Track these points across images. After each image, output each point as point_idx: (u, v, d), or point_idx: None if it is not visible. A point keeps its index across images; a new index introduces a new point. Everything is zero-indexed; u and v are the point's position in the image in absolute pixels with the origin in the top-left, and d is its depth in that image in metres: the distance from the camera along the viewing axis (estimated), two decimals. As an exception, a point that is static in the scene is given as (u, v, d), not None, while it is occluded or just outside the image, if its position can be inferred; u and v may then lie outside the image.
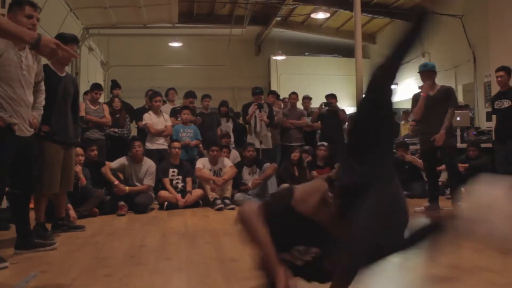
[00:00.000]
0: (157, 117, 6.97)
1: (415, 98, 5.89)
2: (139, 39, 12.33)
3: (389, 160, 2.02)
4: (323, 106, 8.60)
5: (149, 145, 6.75)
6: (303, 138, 8.31)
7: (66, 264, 3.15)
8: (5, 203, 4.66)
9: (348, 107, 10.32)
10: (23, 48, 3.21)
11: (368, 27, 12.82)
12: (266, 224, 1.90)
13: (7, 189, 3.43)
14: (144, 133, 7.00)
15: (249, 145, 7.00)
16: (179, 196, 6.20)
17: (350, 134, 1.94)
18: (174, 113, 7.51)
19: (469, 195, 1.69)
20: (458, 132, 8.11)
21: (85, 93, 6.96)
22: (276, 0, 10.70)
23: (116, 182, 5.86)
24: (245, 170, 6.74)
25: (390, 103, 1.98)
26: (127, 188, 5.90)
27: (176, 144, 6.52)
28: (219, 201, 6.06)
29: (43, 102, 3.62)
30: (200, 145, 7.32)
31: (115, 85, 7.73)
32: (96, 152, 6.06)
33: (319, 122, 8.48)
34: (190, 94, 8.04)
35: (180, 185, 6.38)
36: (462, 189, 6.45)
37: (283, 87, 12.27)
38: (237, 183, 6.63)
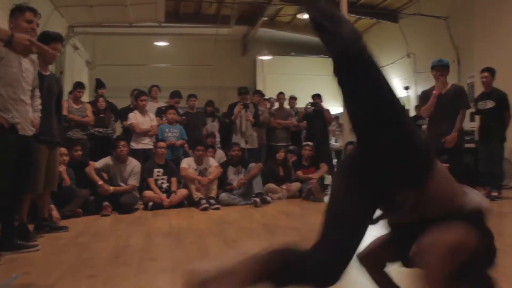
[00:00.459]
0: (142, 117, 6.94)
1: (425, 95, 5.63)
2: (125, 38, 12.25)
3: None
4: (309, 106, 8.65)
5: (134, 145, 6.72)
6: (289, 138, 8.34)
7: (49, 265, 3.12)
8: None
9: (334, 107, 10.36)
10: None
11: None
12: None
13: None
14: (130, 133, 6.97)
15: (234, 144, 7.01)
16: (164, 196, 6.17)
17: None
18: (160, 112, 7.49)
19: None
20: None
21: (70, 93, 6.91)
22: (263, 0, 10.71)
23: (100, 182, 5.82)
24: (231, 170, 6.74)
25: None
26: (111, 188, 5.87)
27: (161, 144, 6.50)
28: (204, 201, 6.05)
29: (40, 106, 3.71)
30: (186, 145, 7.30)
31: (99, 84, 7.67)
32: (80, 152, 6.02)
33: (305, 122, 8.52)
34: (175, 94, 8.03)
35: (165, 185, 6.36)
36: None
37: (269, 87, 12.28)
38: (223, 183, 6.63)
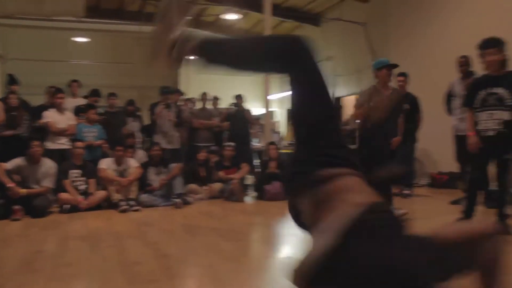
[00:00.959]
0: (59, 115, 6.63)
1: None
2: (41, 32, 11.65)
3: None
4: (232, 107, 8.71)
5: (50, 145, 6.40)
6: (212, 138, 8.34)
7: (-50, 274, 2.90)
8: None
9: (255, 108, 10.51)
10: None
11: (278, 30, 13.13)
12: None
13: None
14: (44, 132, 6.62)
15: (155, 144, 6.89)
16: (81, 198, 5.94)
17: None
18: (78, 111, 7.19)
19: None
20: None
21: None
22: (187, -1, 10.62)
23: (10, 185, 5.48)
24: (151, 170, 6.62)
25: None
26: (23, 190, 5.54)
27: (79, 144, 6.25)
28: (123, 203, 5.89)
29: None
30: (105, 145, 7.08)
31: (12, 80, 7.22)
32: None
33: (228, 122, 8.56)
34: (94, 93, 7.76)
35: (82, 187, 6.12)
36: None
37: (192, 87, 12.21)
38: (143, 183, 6.49)
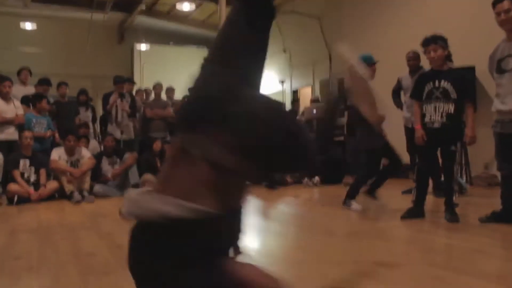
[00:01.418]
0: (6, 104, 6.37)
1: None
2: (-15, 17, 11.15)
3: None
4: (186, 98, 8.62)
5: (-4, 135, 6.16)
6: (167, 128, 8.23)
7: None
8: None
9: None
10: None
11: (233, 21, 13.08)
12: None
13: None
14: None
15: (108, 135, 6.76)
16: (31, 189, 5.76)
17: None
18: (27, 101, 6.93)
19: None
20: (315, 125, 8.68)
21: None
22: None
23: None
24: (105, 161, 6.49)
25: None
26: (-31, 182, 5.33)
27: (27, 133, 6.04)
28: (76, 194, 5.76)
29: None
30: (56, 135, 6.88)
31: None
32: None
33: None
34: (44, 81, 7.50)
35: (32, 178, 5.93)
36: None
37: (146, 77, 12.01)
38: (96, 174, 6.36)
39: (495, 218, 3.70)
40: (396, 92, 6.13)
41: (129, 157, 6.45)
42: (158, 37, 13.26)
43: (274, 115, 1.31)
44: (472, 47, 6.36)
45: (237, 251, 1.38)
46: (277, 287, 1.26)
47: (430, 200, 4.48)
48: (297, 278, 2.38)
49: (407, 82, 5.81)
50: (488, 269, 2.53)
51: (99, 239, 3.60)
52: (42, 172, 5.99)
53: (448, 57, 3.95)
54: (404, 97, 5.96)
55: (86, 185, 6.03)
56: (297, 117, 9.76)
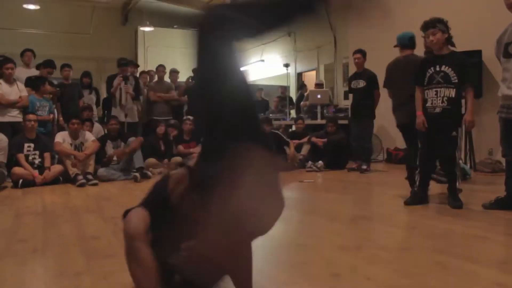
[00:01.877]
0: (9, 87, 6.37)
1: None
2: (-13, -2, 11.08)
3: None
4: (190, 80, 8.58)
5: (0, 118, 6.16)
6: (171, 112, 8.22)
7: None
8: None
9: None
10: None
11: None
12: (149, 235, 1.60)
13: None
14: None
15: (112, 118, 6.75)
16: (36, 172, 5.78)
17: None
18: (31, 83, 6.92)
19: None
20: (319, 109, 8.67)
21: None
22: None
23: (-40, 158, 5.29)
24: (109, 144, 6.49)
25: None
26: (-26, 165, 5.36)
27: (31, 116, 6.04)
28: (80, 177, 5.78)
29: None
30: (61, 118, 6.89)
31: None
32: None
33: (186, 96, 8.45)
34: (48, 64, 7.47)
35: (37, 161, 5.96)
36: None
37: (150, 59, 11.96)
38: (100, 157, 6.37)
39: (499, 204, 3.69)
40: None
41: (134, 141, 6.44)
42: (162, 19, 13.16)
43: None
44: (479, 31, 6.29)
45: None
46: None
47: (434, 185, 4.47)
48: (300, 263, 2.39)
49: None
50: (491, 255, 2.53)
51: (103, 222, 3.62)
52: (47, 155, 6.01)
53: (449, 40, 3.90)
54: None
55: (90, 168, 6.05)
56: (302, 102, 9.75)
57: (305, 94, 9.69)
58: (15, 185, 5.69)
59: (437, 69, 3.87)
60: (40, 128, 6.37)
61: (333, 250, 2.65)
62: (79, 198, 4.94)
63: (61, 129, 6.80)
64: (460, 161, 5.24)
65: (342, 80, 9.91)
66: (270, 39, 12.40)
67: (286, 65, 10.96)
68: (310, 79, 11.43)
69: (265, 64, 12.88)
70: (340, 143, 7.22)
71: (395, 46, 5.23)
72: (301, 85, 9.94)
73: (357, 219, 3.60)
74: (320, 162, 7.06)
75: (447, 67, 3.83)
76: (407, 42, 5.01)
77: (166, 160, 6.96)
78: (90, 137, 6.32)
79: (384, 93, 6.60)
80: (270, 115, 9.40)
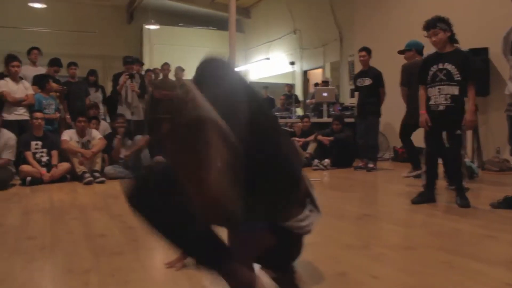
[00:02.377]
0: (15, 85, 6.40)
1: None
2: (-5, -3, 11.14)
3: None
4: (197, 78, 8.58)
5: (6, 116, 6.20)
6: (176, 110, 8.22)
7: None
8: None
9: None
10: None
11: (243, 1, 12.96)
12: None
13: None
14: (1, 103, 6.39)
15: (120, 116, 6.77)
16: (43, 170, 5.82)
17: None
18: (38, 81, 6.94)
19: None
20: (325, 108, 8.66)
21: None
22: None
23: (-31, 156, 5.32)
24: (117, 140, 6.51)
25: None
26: (-18, 162, 5.39)
27: (38, 114, 6.07)
28: (88, 175, 5.81)
29: None
30: (67, 116, 6.92)
31: (-35, 47, 6.92)
32: None
33: (192, 94, 8.45)
34: (55, 62, 7.50)
35: (44, 159, 5.99)
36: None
37: (156, 57, 12.00)
38: (109, 155, 6.40)
39: (507, 203, 3.67)
40: None
41: (141, 139, 6.46)
42: (167, 17, 13.19)
43: None
44: (485, 28, 6.25)
45: None
46: None
47: (441, 184, 4.46)
48: (307, 261, 2.40)
49: None
50: (498, 254, 2.53)
51: (111, 220, 3.64)
52: (54, 153, 6.04)
53: (452, 38, 3.89)
54: None
55: (97, 166, 6.08)
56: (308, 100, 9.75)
57: (311, 92, 9.69)
58: (23, 183, 5.73)
59: (440, 66, 3.86)
60: (48, 126, 6.40)
61: (340, 249, 2.66)
62: (86, 195, 4.97)
63: (68, 127, 6.82)
64: (467, 160, 5.24)
65: (348, 78, 9.89)
66: (276, 36, 12.40)
67: (292, 63, 10.97)
68: (316, 77, 11.42)
69: (271, 62, 12.88)
70: (347, 141, 7.21)
71: (403, 52, 5.36)
72: (315, 84, 9.94)
73: (363, 217, 3.59)
74: (327, 160, 7.05)
75: (450, 65, 3.82)
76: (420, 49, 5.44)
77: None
78: (97, 135, 6.35)
79: (391, 91, 6.61)
80: (276, 113, 9.39)
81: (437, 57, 3.92)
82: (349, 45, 9.69)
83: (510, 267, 2.30)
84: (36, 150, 5.97)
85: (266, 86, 11.27)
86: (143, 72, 8.58)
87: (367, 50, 6.73)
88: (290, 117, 9.39)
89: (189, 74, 9.12)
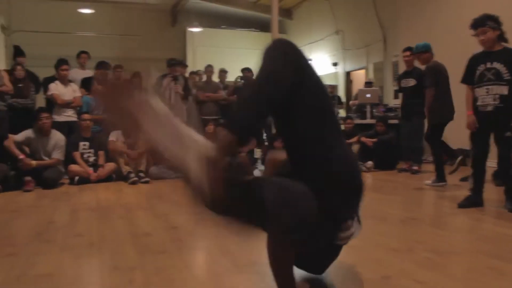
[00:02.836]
0: (64, 87, 6.63)
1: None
2: (46, 3, 11.57)
3: None
4: (239, 80, 8.64)
5: (56, 117, 6.42)
6: (219, 111, 8.31)
7: (-35, 243, 2.96)
8: None
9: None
10: None
11: (285, 2, 12.95)
12: None
13: None
14: (52, 104, 6.64)
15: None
16: (91, 170, 5.99)
17: None
18: (85, 83, 7.17)
19: None
20: (368, 109, 8.54)
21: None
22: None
23: (21, 156, 5.54)
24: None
25: None
26: (33, 162, 5.60)
27: (86, 116, 6.27)
28: (133, 175, 5.94)
29: None
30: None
31: (18, 52, 7.21)
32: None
33: (235, 95, 8.51)
34: (102, 65, 7.71)
35: (92, 159, 6.17)
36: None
37: (199, 59, 12.13)
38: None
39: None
40: None
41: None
42: (210, 20, 13.33)
43: None
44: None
45: None
46: None
47: (489, 188, 4.32)
48: (350, 265, 2.37)
49: None
50: (551, 261, 2.42)
51: (155, 220, 3.72)
52: (101, 153, 6.22)
53: (501, 37, 3.74)
54: None
55: (142, 166, 6.21)
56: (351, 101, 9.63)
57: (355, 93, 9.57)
58: (72, 182, 5.92)
59: (488, 66, 3.73)
60: (96, 127, 6.60)
61: (384, 252, 2.61)
62: (131, 195, 5.08)
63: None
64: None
65: (391, 78, 9.71)
66: (318, 37, 12.33)
67: (335, 64, 10.87)
68: (359, 77, 11.27)
69: (313, 63, 12.79)
70: (390, 143, 7.08)
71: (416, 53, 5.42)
72: (366, 82, 9.79)
73: (407, 220, 3.52)
74: (370, 162, 6.94)
75: (498, 64, 3.68)
76: None
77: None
78: (141, 136, 6.47)
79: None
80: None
81: (485, 56, 3.79)
82: (393, 45, 9.51)
83: None
84: (84, 151, 6.16)
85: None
86: (186, 74, 8.70)
87: (412, 50, 6.58)
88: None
89: (232, 76, 9.24)
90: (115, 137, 6.29)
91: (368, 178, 6.28)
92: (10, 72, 6.59)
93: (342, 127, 7.90)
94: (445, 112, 5.39)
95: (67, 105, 6.58)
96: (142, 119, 1.41)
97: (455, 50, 6.46)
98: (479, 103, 3.79)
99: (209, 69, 8.59)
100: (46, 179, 5.57)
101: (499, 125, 3.71)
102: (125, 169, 6.06)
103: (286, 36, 13.83)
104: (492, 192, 4.40)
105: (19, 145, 5.68)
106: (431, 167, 7.18)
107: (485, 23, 3.72)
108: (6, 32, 11.12)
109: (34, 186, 5.47)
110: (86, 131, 6.22)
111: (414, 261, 2.42)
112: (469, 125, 3.84)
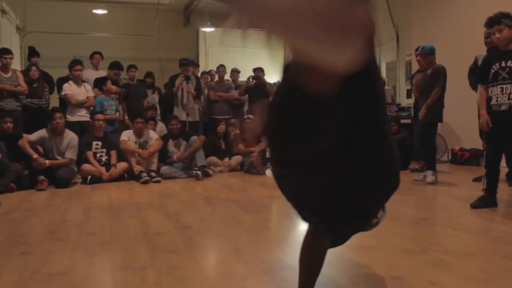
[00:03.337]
0: (77, 87, 6.68)
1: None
2: (60, 4, 11.65)
3: None
4: (251, 80, 8.63)
5: (70, 117, 6.47)
6: (231, 111, 8.31)
7: (-21, 241, 2.99)
8: None
9: (275, 81, 10.43)
10: None
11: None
12: None
13: None
14: (66, 104, 6.70)
15: (173, 118, 6.89)
16: (103, 169, 6.03)
17: None
18: (98, 83, 7.22)
19: None
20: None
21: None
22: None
23: (35, 156, 5.59)
24: (171, 143, 6.66)
25: None
26: (47, 161, 5.66)
27: (99, 116, 6.31)
28: (144, 174, 5.97)
29: None
30: (126, 117, 7.15)
31: (33, 52, 7.29)
32: (10, 124, 5.73)
33: (247, 95, 8.51)
34: (115, 65, 7.76)
35: (104, 158, 6.21)
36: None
37: (211, 59, 12.14)
38: (163, 156, 6.55)
39: None
40: (473, 71, 5.80)
41: (197, 139, 6.54)
42: (223, 20, 13.33)
43: None
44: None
45: None
46: None
47: (503, 188, 4.26)
48: (363, 265, 2.36)
49: None
50: None
51: (166, 219, 3.73)
52: (113, 153, 6.26)
53: None
54: None
55: (154, 166, 6.24)
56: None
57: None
58: (84, 181, 5.97)
59: (503, 64, 3.68)
60: (109, 127, 6.65)
61: (396, 253, 2.59)
62: (143, 194, 5.11)
63: (126, 128, 7.03)
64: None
65: (404, 78, 9.64)
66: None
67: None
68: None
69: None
70: (403, 142, 7.02)
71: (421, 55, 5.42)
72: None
73: (420, 221, 3.49)
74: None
75: None
76: None
77: (226, 159, 7.05)
78: (154, 136, 6.51)
79: (450, 91, 6.36)
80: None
81: (500, 55, 3.74)
82: (406, 44, 9.44)
83: None
84: (96, 150, 6.20)
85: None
86: (199, 74, 8.72)
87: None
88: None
89: (244, 76, 9.22)
90: (126, 137, 6.33)
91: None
92: (25, 72, 6.66)
93: None
94: (440, 113, 5.62)
95: (81, 105, 6.64)
96: None
97: (468, 49, 6.39)
98: (493, 102, 3.74)
99: (221, 69, 8.60)
100: (59, 178, 5.62)
101: None
102: (137, 168, 6.09)
103: (298, 36, 13.77)
104: (505, 193, 4.35)
105: (33, 144, 5.74)
106: (444, 167, 7.13)
107: (500, 20, 3.67)
108: (21, 33, 11.24)
109: (48, 185, 5.51)
110: (99, 131, 6.26)
111: (427, 261, 2.40)
112: (482, 125, 3.79)
